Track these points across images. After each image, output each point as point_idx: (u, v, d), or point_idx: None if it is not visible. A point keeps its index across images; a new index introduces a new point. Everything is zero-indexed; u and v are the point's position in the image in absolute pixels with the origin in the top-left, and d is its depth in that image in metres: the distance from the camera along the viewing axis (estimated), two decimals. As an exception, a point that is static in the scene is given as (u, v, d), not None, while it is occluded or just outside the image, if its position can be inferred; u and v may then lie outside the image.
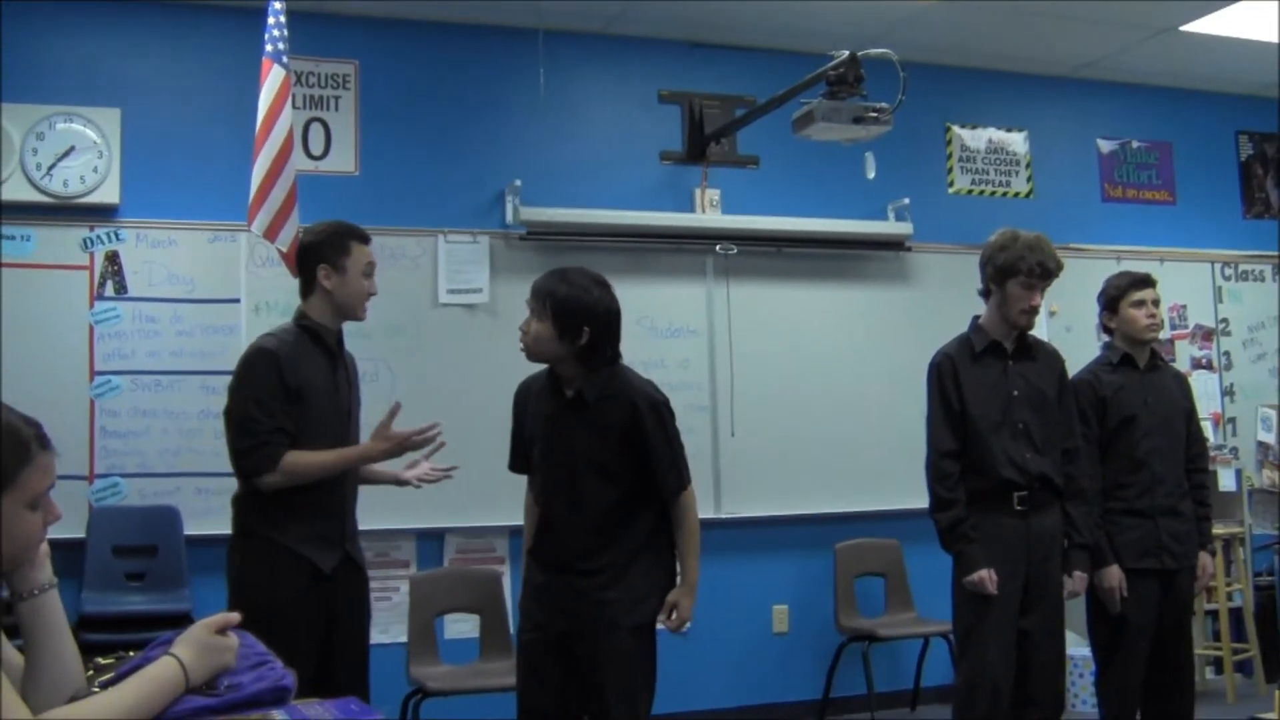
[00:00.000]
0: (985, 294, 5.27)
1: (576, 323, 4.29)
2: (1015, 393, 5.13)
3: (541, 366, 4.50)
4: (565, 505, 4.42)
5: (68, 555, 6.26)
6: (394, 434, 4.52)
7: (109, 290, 6.75)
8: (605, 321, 4.36)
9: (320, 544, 4.47)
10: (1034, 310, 5.16)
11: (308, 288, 4.68)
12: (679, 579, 4.49)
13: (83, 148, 6.71)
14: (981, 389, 5.13)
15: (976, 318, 5.30)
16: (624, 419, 4.37)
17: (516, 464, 4.66)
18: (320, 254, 4.64)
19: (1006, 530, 5.03)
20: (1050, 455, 5.13)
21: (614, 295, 4.41)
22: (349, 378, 4.73)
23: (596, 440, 4.37)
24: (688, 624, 4.47)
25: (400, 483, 4.88)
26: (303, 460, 4.43)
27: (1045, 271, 5.13)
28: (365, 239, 4.72)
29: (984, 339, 5.20)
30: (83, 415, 6.63)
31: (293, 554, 4.41)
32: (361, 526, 4.77)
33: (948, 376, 5.16)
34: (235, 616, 2.45)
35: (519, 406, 4.64)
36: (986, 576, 4.94)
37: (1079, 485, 5.22)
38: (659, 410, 4.42)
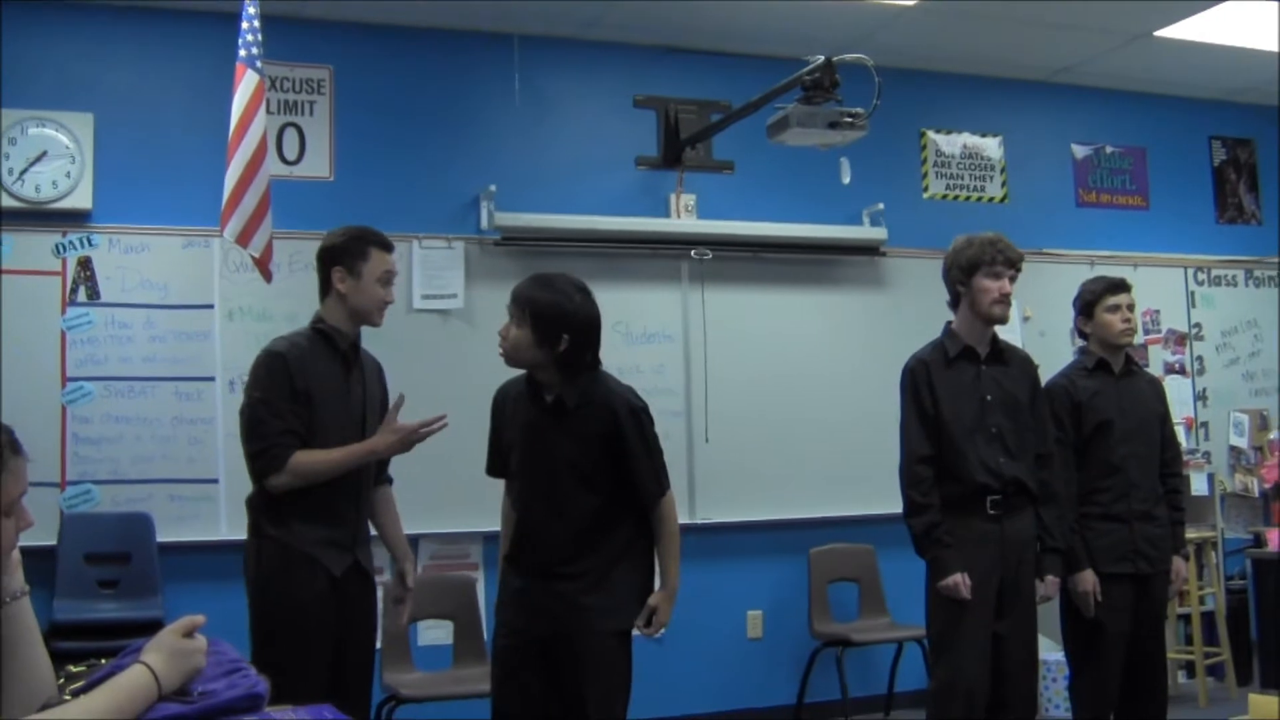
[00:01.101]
0: (954, 303, 5.28)
1: (555, 330, 4.28)
2: (989, 397, 5.14)
3: (520, 371, 4.50)
4: (545, 511, 4.41)
5: (39, 563, 6.23)
6: (401, 426, 4.51)
7: (81, 296, 6.72)
8: (585, 329, 4.35)
9: (329, 548, 4.47)
10: (1006, 300, 5.16)
11: (324, 290, 4.66)
12: (658, 584, 4.49)
13: (55, 153, 6.67)
14: (955, 394, 5.14)
15: (949, 323, 5.30)
16: (604, 426, 4.37)
17: (494, 468, 4.65)
18: (336, 256, 4.63)
19: (980, 535, 5.03)
20: (1024, 460, 5.13)
21: (594, 302, 4.41)
22: (364, 381, 4.71)
23: (576, 447, 4.37)
24: (664, 628, 4.48)
25: (404, 582, 4.86)
26: (310, 460, 4.42)
27: (1009, 260, 5.15)
28: (387, 246, 4.71)
29: (957, 344, 5.21)
30: (55, 422, 6.59)
31: (306, 556, 4.41)
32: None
33: (921, 381, 5.17)
34: (200, 619, 2.43)
35: (497, 410, 4.63)
36: (960, 581, 4.95)
37: (1052, 490, 5.23)
38: (639, 417, 4.43)
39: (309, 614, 4.37)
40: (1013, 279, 5.19)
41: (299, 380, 4.44)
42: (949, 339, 5.25)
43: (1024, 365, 5.34)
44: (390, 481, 4.93)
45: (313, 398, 4.46)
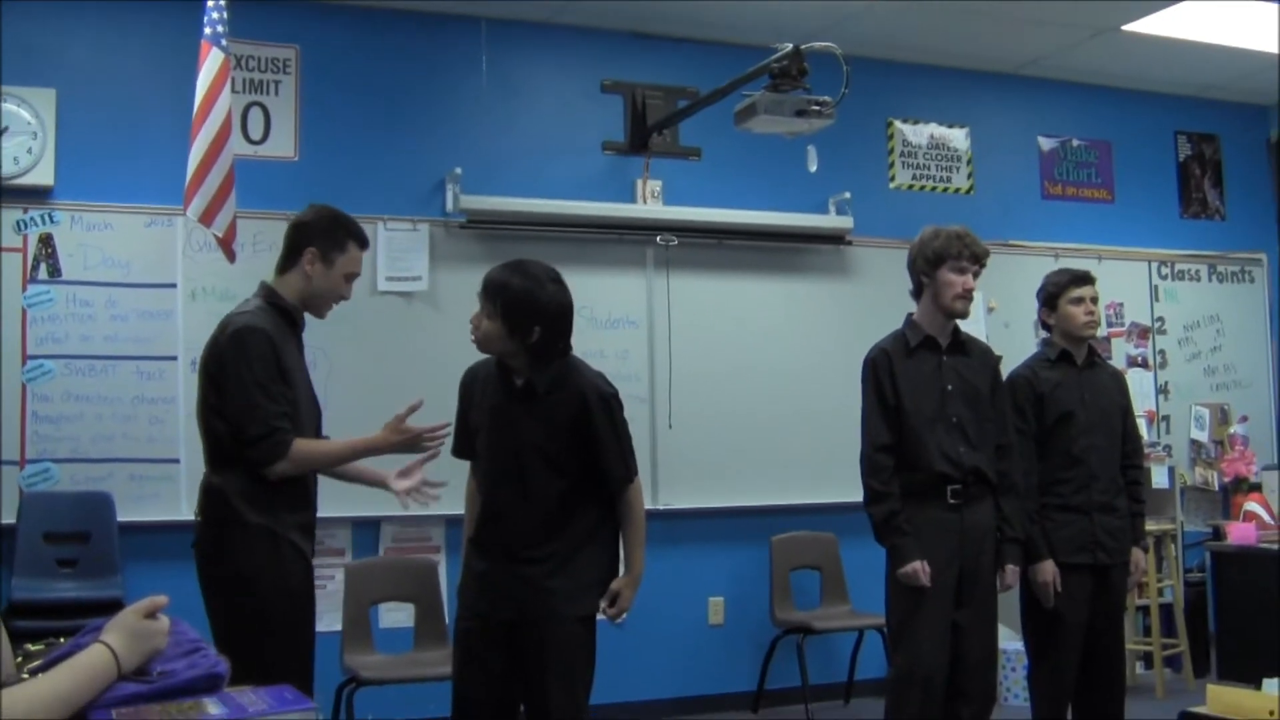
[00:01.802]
0: (917, 293, 5.30)
1: (527, 321, 4.26)
2: (949, 387, 5.16)
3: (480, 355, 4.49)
4: (511, 494, 4.40)
5: (-3, 541, 6.23)
6: (409, 428, 4.38)
7: (42, 273, 6.67)
8: (556, 319, 4.33)
9: (305, 533, 4.38)
10: (968, 295, 5.19)
11: (288, 264, 4.48)
12: (623, 569, 4.49)
13: (17, 128, 6.62)
14: (916, 383, 5.16)
15: (911, 314, 5.32)
16: (573, 411, 4.36)
17: (460, 449, 4.63)
18: (312, 236, 4.47)
19: (940, 523, 5.05)
20: (984, 450, 5.16)
21: (567, 290, 4.38)
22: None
23: (544, 430, 4.37)
24: (626, 614, 4.48)
25: (386, 488, 4.67)
26: (311, 449, 4.35)
27: (974, 256, 5.17)
28: (364, 243, 4.59)
29: (918, 334, 5.23)
30: (14, 399, 6.55)
31: (290, 543, 4.28)
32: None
33: (883, 371, 5.18)
34: (163, 600, 2.41)
35: (465, 392, 4.61)
36: (920, 568, 4.97)
37: (1012, 480, 5.26)
38: (608, 403, 4.42)
39: (301, 604, 4.30)
40: (976, 274, 5.21)
41: (283, 359, 4.31)
42: (910, 329, 5.27)
43: (984, 356, 5.37)
44: None
45: (288, 377, 4.33)
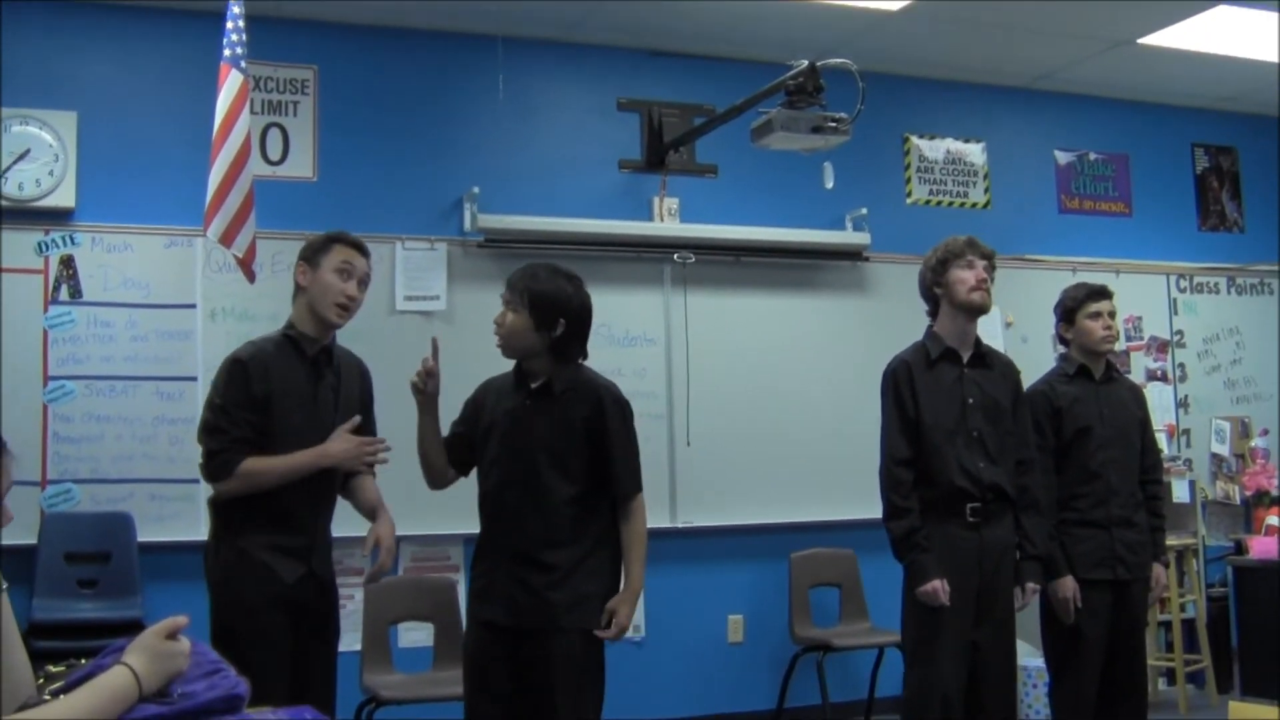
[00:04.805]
0: (934, 311, 5.29)
1: (553, 314, 4.37)
2: (970, 400, 5.13)
3: (506, 369, 4.52)
4: (519, 496, 4.43)
5: (18, 562, 6.24)
6: (351, 437, 4.49)
7: (64, 294, 6.70)
8: (580, 315, 4.45)
9: (282, 555, 4.41)
10: (983, 286, 5.15)
11: (295, 291, 4.62)
12: (623, 584, 4.50)
13: (39, 151, 6.66)
14: (936, 396, 5.13)
15: (931, 325, 5.30)
16: (588, 411, 4.43)
17: (453, 458, 4.66)
18: (302, 253, 4.61)
19: (959, 541, 5.02)
20: (1004, 465, 5.12)
21: (587, 293, 4.50)
22: (338, 385, 4.64)
23: (557, 430, 4.42)
24: (626, 632, 4.47)
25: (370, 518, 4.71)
26: (258, 466, 4.38)
27: (982, 253, 5.17)
28: (351, 243, 4.63)
29: (939, 345, 5.20)
30: (36, 420, 6.58)
31: (259, 562, 4.37)
32: (347, 533, 4.79)
33: (903, 383, 5.16)
34: (183, 620, 2.43)
35: (473, 404, 4.66)
36: (939, 587, 4.93)
37: (1032, 496, 5.21)
38: (623, 408, 4.51)
39: (259, 618, 4.34)
40: (987, 270, 5.19)
41: (257, 386, 4.40)
42: (931, 340, 5.25)
43: (1006, 370, 5.34)
44: (371, 471, 4.79)
45: (273, 404, 4.42)
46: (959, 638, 4.99)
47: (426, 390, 4.54)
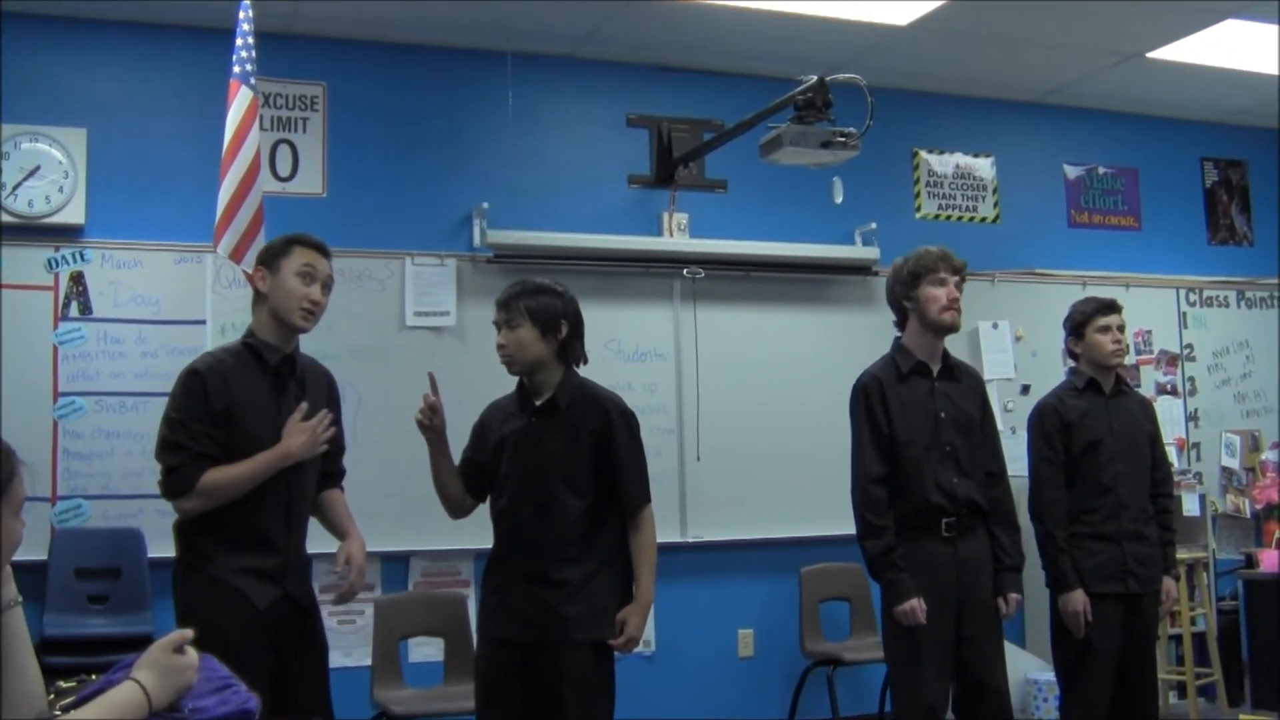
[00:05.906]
0: (901, 323, 5.25)
1: (555, 319, 4.47)
2: (943, 415, 5.09)
3: (509, 388, 4.54)
4: (531, 514, 4.45)
5: (30, 577, 6.21)
6: (304, 425, 4.29)
7: (74, 311, 6.72)
8: (576, 314, 4.57)
9: (250, 577, 4.21)
10: (955, 305, 5.10)
11: (254, 298, 4.45)
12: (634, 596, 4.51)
13: (48, 168, 6.68)
14: (909, 411, 5.08)
15: (898, 338, 5.26)
16: (596, 425, 4.47)
17: (469, 485, 4.68)
18: (259, 257, 4.46)
19: (935, 557, 4.97)
20: (976, 478, 5.09)
21: (572, 294, 4.62)
22: (303, 395, 4.41)
23: (566, 445, 4.45)
24: (637, 643, 4.48)
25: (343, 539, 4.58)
26: (219, 477, 4.18)
27: (953, 267, 5.11)
28: (312, 245, 4.44)
29: (909, 359, 5.16)
30: (46, 436, 6.59)
31: (229, 588, 4.18)
32: (324, 549, 4.65)
33: (875, 398, 5.09)
34: (189, 633, 2.43)
35: (480, 429, 4.71)
36: (917, 606, 4.88)
37: (1004, 508, 5.17)
38: (629, 420, 4.56)
39: (232, 644, 3.84)
40: (958, 285, 5.14)
41: (216, 400, 4.20)
42: (900, 354, 5.19)
43: (974, 381, 5.30)
44: (339, 484, 4.70)
45: (233, 416, 4.23)
46: (940, 655, 4.95)
47: (433, 425, 4.54)
